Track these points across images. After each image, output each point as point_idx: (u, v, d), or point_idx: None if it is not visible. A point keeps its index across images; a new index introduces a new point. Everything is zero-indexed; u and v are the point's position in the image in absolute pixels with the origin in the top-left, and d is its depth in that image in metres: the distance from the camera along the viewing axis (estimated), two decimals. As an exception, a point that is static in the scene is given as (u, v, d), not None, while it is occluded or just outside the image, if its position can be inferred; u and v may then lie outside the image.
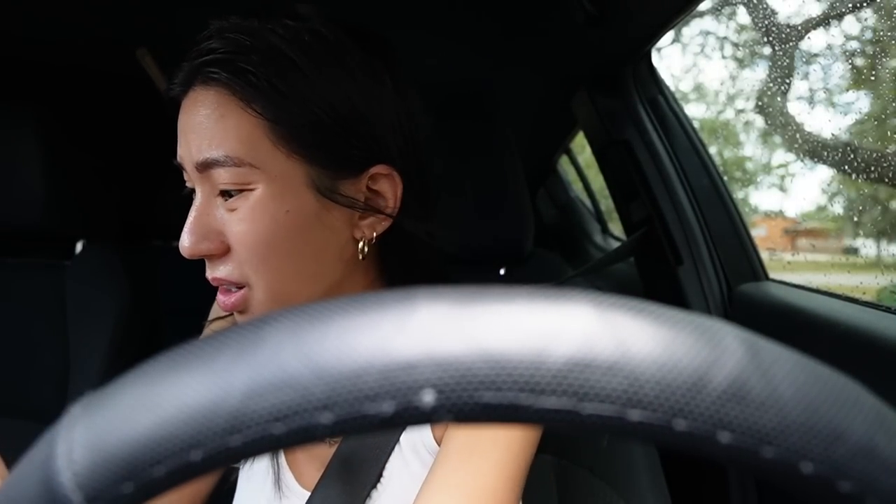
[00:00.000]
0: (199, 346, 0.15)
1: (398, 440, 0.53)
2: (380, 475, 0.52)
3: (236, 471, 0.61)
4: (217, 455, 0.14)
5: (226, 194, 0.47)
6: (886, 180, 1.06)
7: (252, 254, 0.47)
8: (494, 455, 0.47)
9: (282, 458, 0.58)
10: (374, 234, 0.51)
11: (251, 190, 0.46)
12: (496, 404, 0.13)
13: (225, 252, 0.48)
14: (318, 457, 0.56)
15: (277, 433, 0.13)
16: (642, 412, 0.13)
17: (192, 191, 0.49)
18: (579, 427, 0.13)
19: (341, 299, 0.15)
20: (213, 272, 0.49)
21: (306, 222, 0.47)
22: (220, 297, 0.50)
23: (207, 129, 0.45)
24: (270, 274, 0.48)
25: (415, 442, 0.53)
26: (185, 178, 0.50)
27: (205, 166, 0.46)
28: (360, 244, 0.51)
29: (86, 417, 0.15)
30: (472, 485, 0.45)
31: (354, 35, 0.49)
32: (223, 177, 0.46)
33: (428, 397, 0.13)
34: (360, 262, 0.52)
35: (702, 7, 0.90)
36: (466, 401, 0.13)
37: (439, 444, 0.52)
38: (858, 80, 1.28)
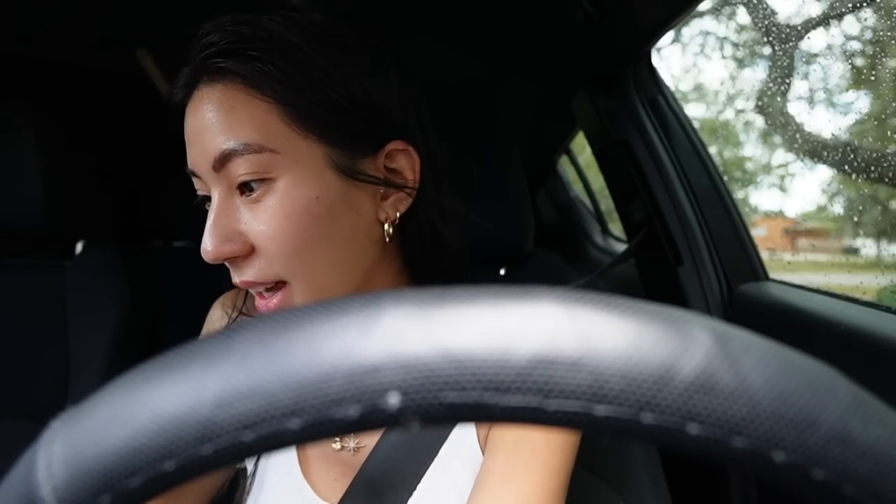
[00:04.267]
0: (171, 357, 0.15)
1: (437, 451, 0.52)
2: (414, 487, 0.51)
3: (241, 482, 0.60)
4: (189, 464, 0.14)
5: (246, 189, 0.45)
6: (886, 180, 1.06)
7: (283, 250, 0.45)
8: (540, 465, 0.47)
9: (296, 467, 0.55)
10: (398, 214, 0.51)
11: (273, 180, 0.45)
12: (461, 404, 0.13)
13: (249, 253, 0.46)
14: (337, 465, 0.54)
15: (247, 440, 0.14)
16: (608, 407, 0.13)
17: (206, 198, 0.48)
18: (546, 424, 0.13)
19: (309, 306, 0.15)
20: (242, 275, 0.47)
21: (334, 207, 0.46)
22: (259, 301, 0.48)
23: (220, 122, 0.45)
24: (307, 268, 0.46)
25: (458, 451, 0.52)
26: (198, 185, 0.48)
27: (222, 161, 0.45)
28: (386, 226, 0.50)
29: (64, 431, 0.15)
30: (520, 495, 0.46)
31: (348, 21, 0.50)
32: (243, 168, 0.44)
33: (393, 400, 0.13)
34: (387, 247, 0.52)
35: (702, 7, 0.90)
36: (431, 402, 0.13)
37: (484, 453, 0.51)
38: (858, 80, 1.28)
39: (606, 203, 2.29)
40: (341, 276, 0.48)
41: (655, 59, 1.17)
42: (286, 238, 0.45)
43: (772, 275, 1.07)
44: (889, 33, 1.08)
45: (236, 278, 0.47)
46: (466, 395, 0.13)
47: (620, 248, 1.96)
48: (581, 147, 2.10)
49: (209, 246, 0.45)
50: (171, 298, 1.25)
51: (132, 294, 1.08)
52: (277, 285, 0.48)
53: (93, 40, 1.10)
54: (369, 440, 0.54)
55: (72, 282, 1.07)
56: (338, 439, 0.54)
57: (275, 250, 0.45)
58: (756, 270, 1.06)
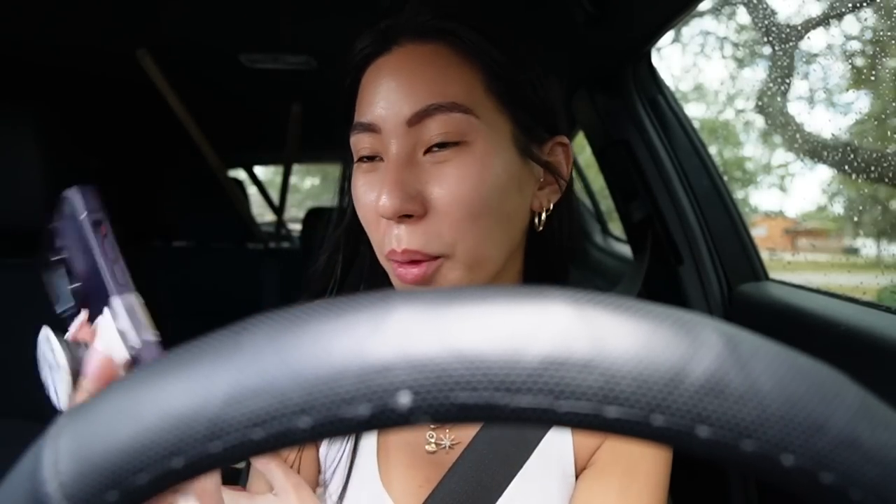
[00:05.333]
0: (179, 354, 0.15)
1: (526, 459, 0.50)
2: (498, 497, 0.49)
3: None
4: (198, 462, 0.14)
5: (435, 148, 0.45)
6: (886, 180, 1.06)
7: (463, 213, 0.45)
8: (653, 488, 0.48)
9: (376, 476, 0.53)
10: (551, 205, 0.52)
11: (468, 143, 0.45)
12: (472, 404, 0.13)
13: (422, 215, 0.45)
14: (423, 469, 0.52)
15: (257, 438, 0.14)
16: (619, 408, 0.13)
17: (366, 158, 0.48)
18: (556, 425, 0.13)
19: (317, 304, 0.15)
20: (409, 242, 0.45)
21: (510, 183, 0.47)
22: (400, 270, 0.46)
23: (429, 78, 0.45)
24: (476, 237, 0.46)
25: (550, 461, 0.51)
26: (365, 142, 0.47)
27: (422, 116, 0.45)
28: (541, 214, 0.52)
29: (71, 427, 0.15)
30: None
31: None
32: (444, 126, 0.44)
33: (404, 399, 0.13)
34: (523, 239, 0.52)
35: (702, 7, 0.90)
36: (442, 401, 0.13)
37: (577, 474, 0.51)
38: (858, 80, 1.28)
39: (606, 203, 2.29)
40: (496, 254, 0.48)
41: (655, 59, 1.17)
42: (471, 202, 0.45)
43: (772, 275, 1.07)
44: (889, 33, 1.08)
45: (403, 244, 0.45)
46: (477, 396, 0.13)
47: (620, 247, 1.96)
48: (581, 147, 2.09)
49: (391, 203, 0.44)
50: (170, 298, 1.25)
51: (132, 294, 1.07)
52: (431, 260, 0.46)
53: (93, 42, 1.10)
54: (465, 435, 0.52)
55: (72, 282, 1.07)
56: (432, 439, 0.53)
57: (455, 213, 0.45)
58: (756, 270, 1.06)
